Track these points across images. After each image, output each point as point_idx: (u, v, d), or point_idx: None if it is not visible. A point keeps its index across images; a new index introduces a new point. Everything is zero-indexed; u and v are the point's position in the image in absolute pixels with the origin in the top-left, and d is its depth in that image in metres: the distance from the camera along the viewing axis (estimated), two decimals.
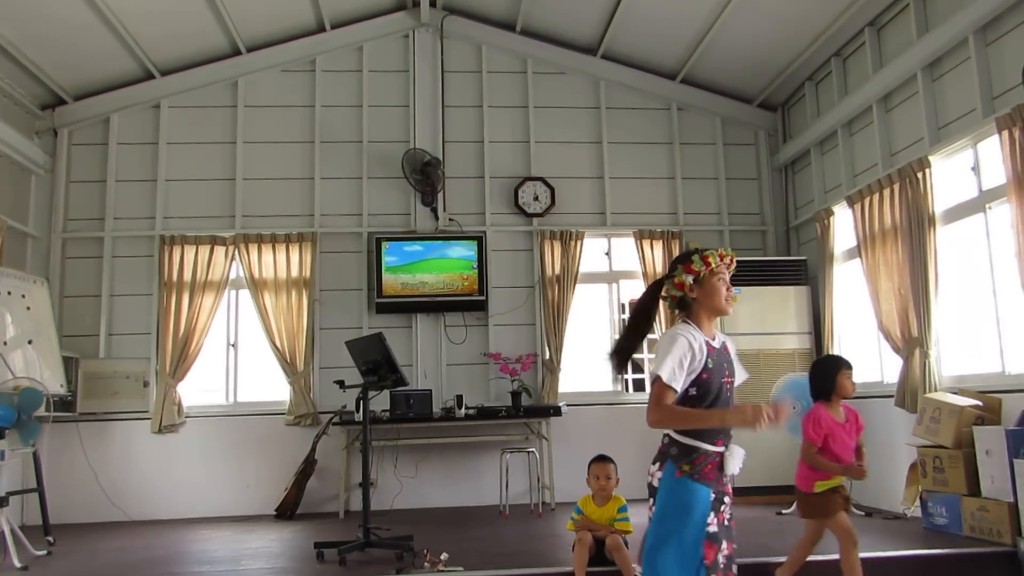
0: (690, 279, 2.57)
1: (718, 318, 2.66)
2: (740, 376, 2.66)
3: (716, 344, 2.55)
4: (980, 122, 5.09)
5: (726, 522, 2.53)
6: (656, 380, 2.44)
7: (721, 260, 2.58)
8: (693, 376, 2.46)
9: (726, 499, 2.54)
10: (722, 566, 2.47)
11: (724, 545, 2.50)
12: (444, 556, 4.29)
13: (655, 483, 2.53)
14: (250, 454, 6.86)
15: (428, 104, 7.59)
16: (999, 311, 5.04)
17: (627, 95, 7.85)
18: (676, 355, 2.43)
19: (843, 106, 6.64)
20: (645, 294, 2.70)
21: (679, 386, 2.43)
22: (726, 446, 2.51)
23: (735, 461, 2.50)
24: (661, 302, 2.68)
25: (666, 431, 2.54)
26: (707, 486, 2.46)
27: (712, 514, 2.46)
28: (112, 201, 7.23)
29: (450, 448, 7.03)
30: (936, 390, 5.30)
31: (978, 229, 5.29)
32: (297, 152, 7.48)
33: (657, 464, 2.55)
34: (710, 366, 2.46)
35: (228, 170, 7.38)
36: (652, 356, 7.63)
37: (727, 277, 2.60)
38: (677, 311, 2.66)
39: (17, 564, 4.59)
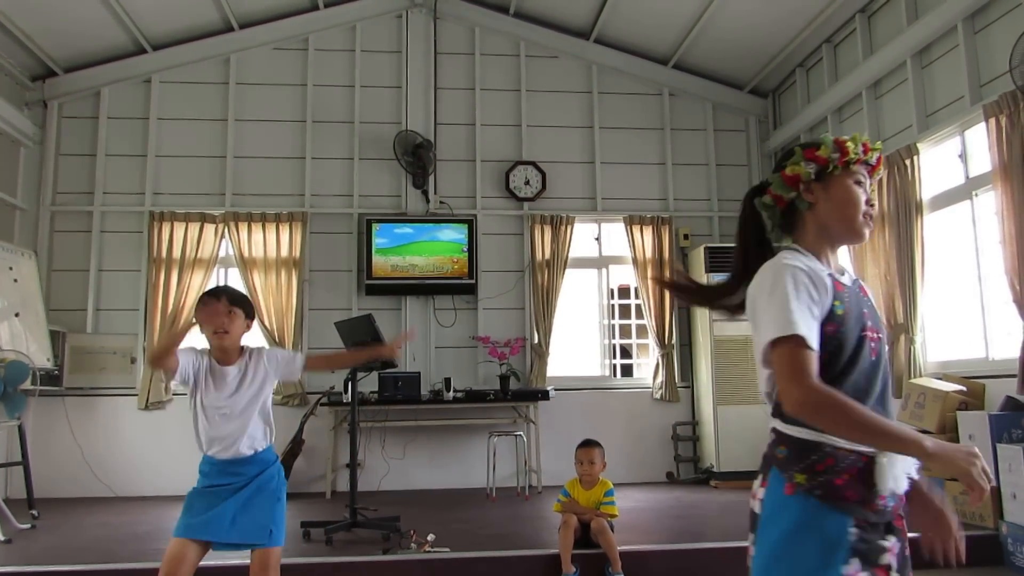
0: (811, 171, 1.67)
1: (841, 249, 1.75)
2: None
3: (847, 281, 1.63)
4: (968, 110, 5.13)
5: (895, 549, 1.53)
6: (784, 341, 1.47)
7: (865, 152, 1.69)
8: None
9: (890, 541, 1.52)
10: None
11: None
12: (431, 537, 4.29)
13: (756, 508, 1.61)
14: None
15: (421, 86, 7.56)
16: (984, 297, 5.10)
17: (619, 80, 7.84)
18: (802, 294, 1.51)
19: (833, 93, 6.66)
20: (743, 207, 1.79)
21: (815, 338, 1.49)
22: None
23: (896, 470, 1.48)
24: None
25: (779, 425, 1.59)
26: (843, 512, 1.48)
27: (856, 563, 1.47)
28: (102, 175, 7.18)
29: (438, 430, 7.04)
30: (921, 375, 5.35)
31: (964, 216, 5.33)
32: (288, 131, 7.44)
33: (760, 478, 1.63)
34: (839, 313, 1.54)
35: (219, 147, 7.34)
36: (642, 341, 7.61)
37: (868, 186, 1.70)
38: (777, 233, 1.75)
39: (1, 537, 4.58)
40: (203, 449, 2.75)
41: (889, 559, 1.51)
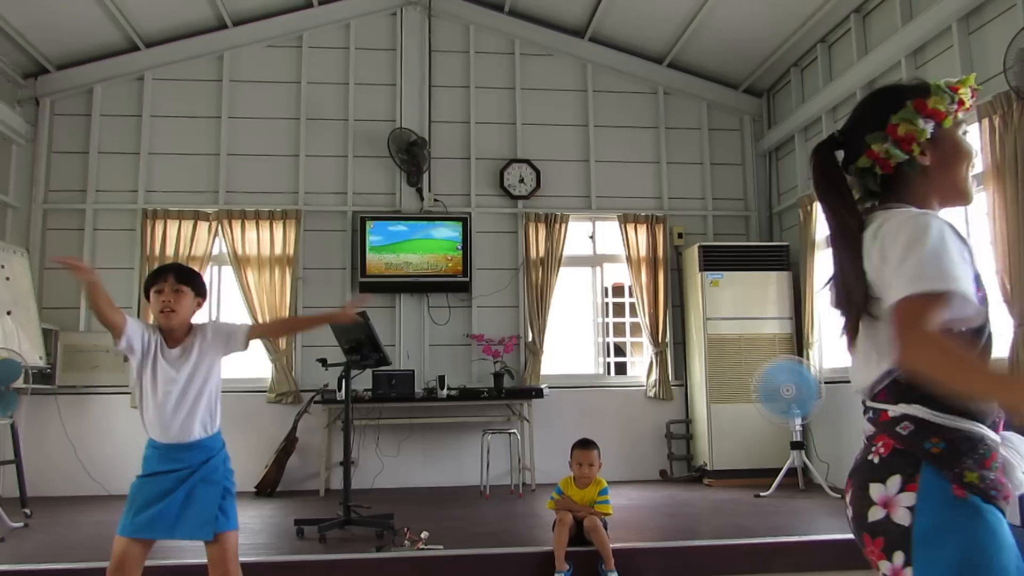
0: (929, 129, 1.43)
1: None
2: None
3: None
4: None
5: None
6: (926, 298, 1.28)
7: (973, 95, 1.48)
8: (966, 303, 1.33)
9: None
10: None
11: None
12: (424, 535, 4.31)
13: (902, 519, 1.32)
14: (231, 431, 6.72)
15: (415, 83, 7.55)
16: None
17: (614, 78, 7.84)
18: (951, 247, 1.33)
19: (828, 92, 6.67)
20: (819, 167, 1.54)
21: (972, 295, 1.30)
22: (994, 430, 1.37)
23: (1018, 458, 1.33)
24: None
25: (890, 405, 1.41)
26: (1001, 510, 1.30)
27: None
28: (94, 173, 7.15)
29: (432, 428, 7.04)
30: None
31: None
32: (282, 129, 7.42)
33: (894, 479, 1.36)
34: (980, 277, 1.40)
35: (212, 145, 7.32)
36: (636, 339, 7.60)
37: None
38: (870, 200, 1.51)
39: None
40: (147, 431, 2.67)
41: None
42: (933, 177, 1.45)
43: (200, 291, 2.78)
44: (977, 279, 1.35)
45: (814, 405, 6.11)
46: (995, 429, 1.34)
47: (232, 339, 2.80)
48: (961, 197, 1.49)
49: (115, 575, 2.54)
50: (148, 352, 2.68)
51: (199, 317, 2.86)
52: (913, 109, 1.42)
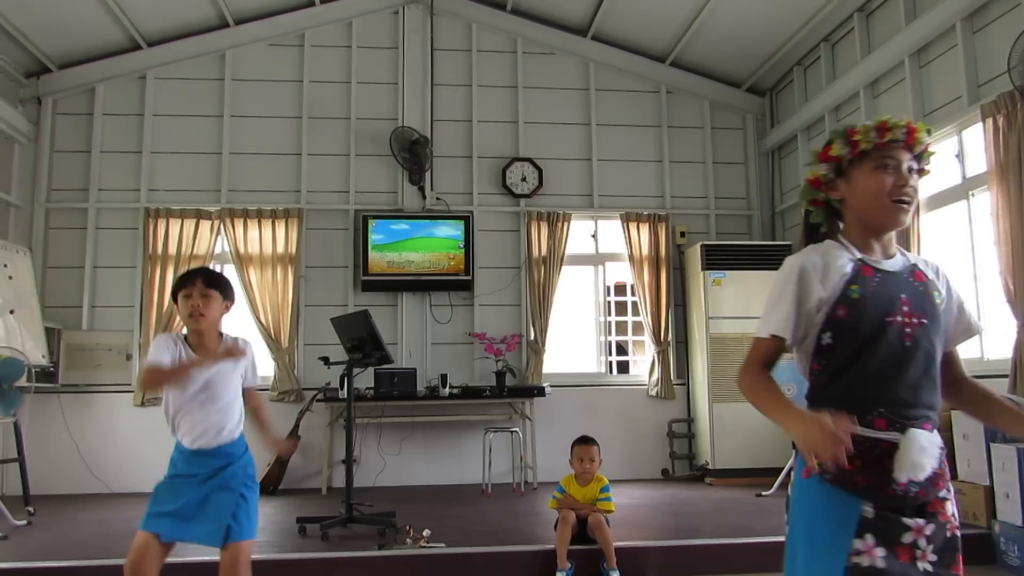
0: (828, 171, 1.73)
1: (893, 231, 1.72)
2: (961, 326, 1.74)
3: (888, 266, 1.66)
4: (965, 109, 5.14)
5: (915, 562, 1.55)
6: (755, 340, 1.71)
7: (880, 133, 1.66)
8: (823, 313, 1.62)
9: (917, 523, 1.56)
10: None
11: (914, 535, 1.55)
12: (426, 533, 4.31)
13: (789, 491, 1.71)
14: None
15: (417, 82, 7.55)
16: (979, 297, 5.11)
17: (616, 77, 7.84)
18: (786, 294, 1.64)
19: (831, 91, 6.67)
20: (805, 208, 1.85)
21: (788, 334, 1.63)
22: (897, 429, 1.54)
23: (912, 457, 1.50)
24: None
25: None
26: (854, 494, 1.56)
27: (869, 539, 1.53)
28: (97, 172, 7.16)
29: (434, 427, 7.05)
30: None
31: (961, 216, 5.34)
32: (284, 127, 7.43)
33: (792, 458, 1.83)
34: (854, 297, 1.59)
35: (214, 144, 7.32)
36: (638, 338, 7.64)
37: (903, 161, 1.66)
38: (832, 229, 1.77)
39: None
40: (173, 435, 2.71)
41: (913, 538, 1.54)
42: (854, 207, 1.70)
43: (228, 295, 2.79)
44: (846, 299, 1.59)
45: None
46: (874, 423, 1.54)
47: (249, 379, 2.85)
48: (887, 221, 1.66)
49: (133, 568, 2.55)
50: (175, 362, 2.69)
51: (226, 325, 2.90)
52: (815, 158, 1.74)
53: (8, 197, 6.83)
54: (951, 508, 1.61)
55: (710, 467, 6.79)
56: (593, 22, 7.48)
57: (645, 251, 7.44)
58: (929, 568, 1.54)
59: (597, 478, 4.31)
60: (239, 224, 7.10)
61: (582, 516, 4.16)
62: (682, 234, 7.58)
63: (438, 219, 7.29)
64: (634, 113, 7.83)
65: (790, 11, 6.59)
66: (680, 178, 7.80)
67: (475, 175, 7.54)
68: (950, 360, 1.74)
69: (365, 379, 6.56)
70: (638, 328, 7.64)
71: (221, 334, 2.79)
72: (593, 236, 7.74)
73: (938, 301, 1.67)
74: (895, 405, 1.55)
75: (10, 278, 6.12)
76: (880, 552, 1.51)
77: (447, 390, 6.74)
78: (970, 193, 5.24)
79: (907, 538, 1.54)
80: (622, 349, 7.88)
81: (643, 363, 7.63)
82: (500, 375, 6.86)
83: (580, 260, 7.65)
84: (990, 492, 4.37)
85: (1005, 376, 4.57)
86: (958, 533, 1.61)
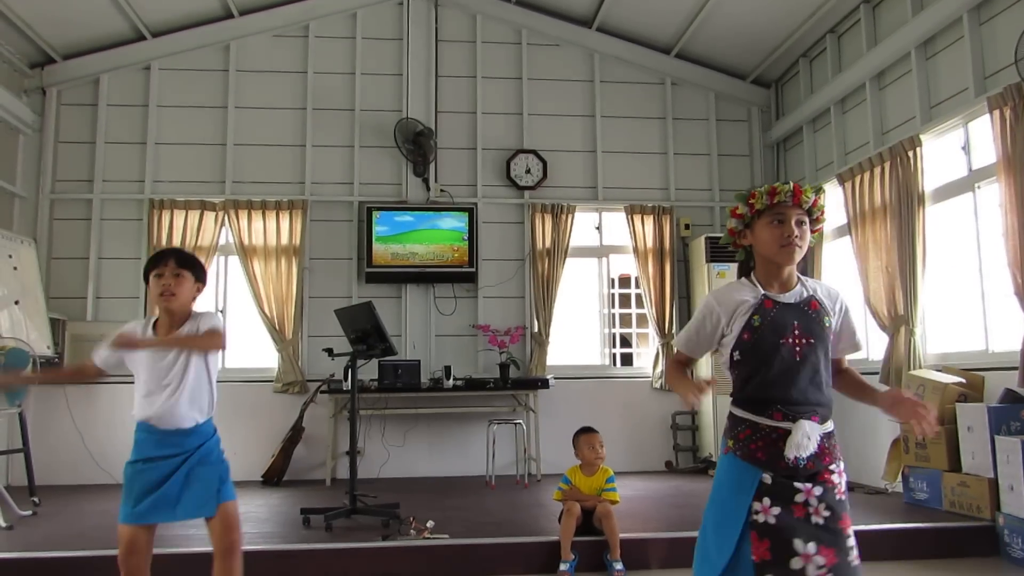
0: (736, 224, 2.22)
1: (790, 269, 2.17)
2: (846, 342, 2.21)
3: (787, 299, 2.12)
4: (972, 101, 5.11)
5: (809, 517, 2.01)
6: (676, 352, 2.30)
7: (771, 196, 2.12)
8: (731, 337, 2.13)
9: (807, 486, 2.03)
10: (795, 570, 1.95)
11: (803, 547, 1.96)
12: (430, 524, 4.31)
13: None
14: (237, 420, 6.84)
15: (421, 73, 7.53)
16: (985, 290, 5.09)
17: (621, 69, 7.81)
18: (694, 323, 2.21)
19: (836, 83, 6.63)
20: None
21: (692, 352, 2.23)
22: (789, 420, 2.03)
23: (797, 440, 2.00)
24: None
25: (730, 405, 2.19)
26: (756, 466, 2.04)
27: (766, 501, 2.00)
28: (101, 163, 7.16)
29: (437, 418, 7.05)
30: (920, 367, 5.36)
31: (967, 208, 5.31)
32: (289, 119, 7.42)
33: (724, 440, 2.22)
34: (755, 325, 2.07)
35: (219, 135, 7.32)
36: (642, 331, 7.62)
37: (789, 216, 2.11)
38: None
39: (2, 523, 4.60)
40: (139, 415, 2.67)
41: (804, 498, 2.01)
42: (758, 250, 2.19)
43: (200, 276, 2.78)
44: (749, 326, 2.08)
45: None
46: (773, 417, 2.04)
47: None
48: (780, 261, 2.14)
49: (127, 560, 2.54)
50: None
51: (201, 304, 2.87)
52: (731, 215, 2.22)
53: (13, 188, 6.84)
54: (838, 479, 2.08)
55: (713, 459, 6.79)
56: (598, 13, 7.45)
57: (649, 243, 7.43)
58: (821, 522, 2.00)
59: (603, 469, 4.32)
60: (243, 215, 7.10)
61: (587, 507, 4.17)
62: (686, 226, 7.57)
63: (442, 211, 7.29)
64: (639, 105, 7.81)
65: (796, 2, 6.55)
66: (685, 170, 7.78)
67: (479, 167, 7.52)
68: (838, 361, 2.25)
69: (369, 371, 6.57)
70: (642, 320, 7.63)
71: (192, 314, 2.76)
72: (597, 228, 7.72)
73: (827, 324, 2.13)
74: (788, 403, 2.04)
75: (15, 269, 6.14)
76: (775, 511, 1.99)
77: (451, 382, 6.74)
78: (976, 186, 5.21)
79: (799, 498, 2.01)
80: (626, 341, 7.88)
81: (647, 355, 7.62)
82: (504, 367, 6.86)
83: (584, 252, 7.64)
84: (994, 484, 4.37)
85: (1012, 369, 4.56)
86: (844, 497, 2.08)
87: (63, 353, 6.68)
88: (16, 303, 5.97)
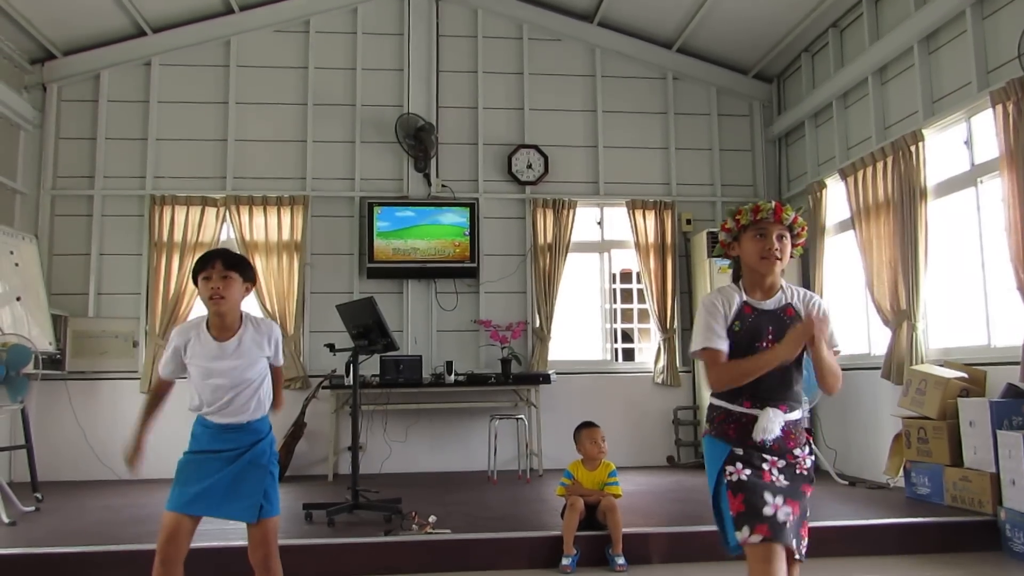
0: (727, 237, 2.50)
1: (772, 278, 2.42)
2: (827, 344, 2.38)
3: (766, 306, 2.39)
4: (974, 96, 5.09)
5: (774, 482, 2.30)
6: (696, 354, 2.41)
7: (755, 213, 2.39)
8: None
9: (771, 458, 2.34)
10: (768, 516, 2.23)
11: (771, 499, 2.26)
12: (432, 519, 4.32)
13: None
14: None
15: (422, 68, 7.52)
16: (987, 285, 5.08)
17: (623, 64, 7.79)
18: (702, 321, 2.39)
19: (839, 78, 6.62)
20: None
21: (723, 344, 2.34)
22: (758, 408, 2.33)
23: (763, 424, 2.31)
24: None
25: (709, 396, 2.51)
26: (729, 443, 2.35)
27: (738, 464, 2.31)
28: (102, 159, 7.16)
29: (439, 414, 7.06)
30: (923, 362, 5.35)
31: (969, 203, 5.30)
32: (289, 114, 7.41)
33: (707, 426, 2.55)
34: (736, 330, 2.35)
35: (220, 131, 7.31)
36: (643, 326, 7.60)
37: (771, 231, 2.37)
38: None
39: (5, 519, 4.60)
40: (196, 409, 2.72)
41: (768, 467, 2.33)
42: (743, 261, 2.45)
43: (248, 276, 2.79)
44: (730, 330, 2.36)
45: (813, 394, 6.06)
46: (743, 405, 2.36)
47: (271, 355, 2.84)
48: (761, 271, 2.40)
49: (167, 546, 2.57)
50: (192, 348, 2.72)
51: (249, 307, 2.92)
52: (720, 228, 2.51)
53: (14, 184, 6.83)
54: (803, 460, 2.39)
55: None
56: (599, 8, 7.43)
57: (651, 238, 7.43)
58: (785, 485, 2.31)
59: (605, 463, 4.32)
60: (244, 211, 7.10)
61: (591, 503, 4.17)
62: (688, 221, 7.56)
63: (443, 206, 7.28)
64: (640, 100, 7.80)
65: None
66: (686, 165, 7.77)
67: (480, 162, 7.52)
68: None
69: (371, 366, 6.58)
70: (644, 315, 7.63)
71: (242, 315, 2.80)
72: (599, 223, 7.72)
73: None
74: (758, 397, 2.34)
75: (16, 265, 6.14)
76: (746, 472, 2.30)
77: (452, 377, 6.75)
78: (979, 180, 5.20)
79: (766, 466, 2.32)
80: (628, 336, 7.87)
81: (649, 350, 7.62)
82: (505, 362, 6.86)
83: (586, 247, 7.63)
84: (996, 479, 4.36)
85: (1014, 364, 4.55)
86: (806, 472, 2.39)
87: (65, 350, 6.69)
88: (18, 299, 5.98)
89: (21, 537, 4.26)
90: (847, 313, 6.60)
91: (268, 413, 2.83)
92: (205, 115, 7.32)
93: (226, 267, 2.70)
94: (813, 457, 2.45)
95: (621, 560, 3.96)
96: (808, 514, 2.40)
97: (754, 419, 2.32)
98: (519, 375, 6.92)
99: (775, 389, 2.35)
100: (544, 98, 7.67)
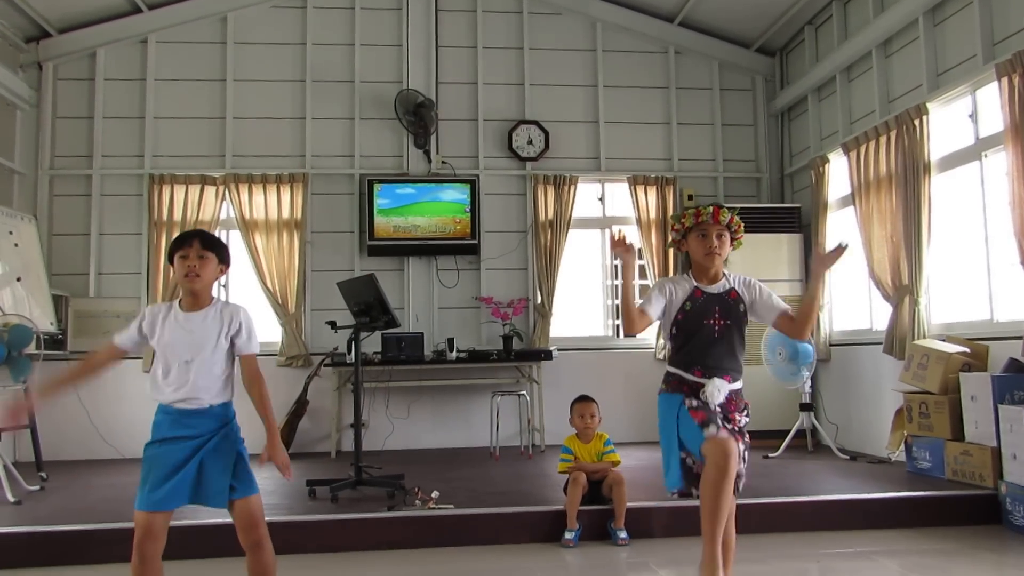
0: (675, 235, 2.94)
1: (715, 269, 2.87)
2: (769, 307, 2.88)
3: (713, 290, 2.85)
4: (980, 68, 5.04)
5: (714, 408, 2.74)
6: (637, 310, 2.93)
7: (697, 217, 2.81)
8: (671, 319, 2.88)
9: (714, 408, 2.77)
10: (720, 418, 2.73)
11: (719, 421, 2.72)
12: (435, 494, 4.34)
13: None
14: (241, 394, 6.84)
15: (421, 44, 7.45)
16: (990, 259, 5.06)
17: (624, 38, 7.72)
18: (657, 292, 2.90)
19: (842, 51, 6.55)
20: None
21: (652, 311, 2.86)
22: (707, 378, 2.77)
23: (709, 390, 2.74)
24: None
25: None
26: (679, 394, 2.82)
27: (693, 401, 2.77)
28: (100, 138, 7.12)
29: (441, 391, 7.07)
30: (925, 337, 5.34)
31: (973, 177, 5.27)
32: (288, 91, 7.35)
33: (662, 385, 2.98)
34: (687, 308, 2.83)
35: (218, 108, 7.26)
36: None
37: (711, 231, 2.81)
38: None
39: (11, 498, 4.63)
40: (158, 396, 2.65)
41: (710, 410, 2.73)
42: (691, 256, 2.89)
43: (224, 258, 2.78)
44: (683, 310, 2.84)
45: (807, 367, 6.06)
46: (694, 374, 2.80)
47: (235, 335, 2.75)
48: (705, 265, 2.85)
49: (143, 546, 2.54)
50: (157, 325, 2.67)
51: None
52: (672, 229, 2.94)
53: (12, 164, 6.80)
54: (740, 419, 2.82)
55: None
56: None
57: (652, 214, 7.40)
58: (717, 409, 2.74)
59: (598, 434, 4.36)
60: (244, 189, 7.07)
61: (595, 478, 4.20)
62: (690, 197, 7.52)
63: (444, 183, 7.25)
64: (642, 74, 7.73)
65: None
66: (688, 140, 7.72)
67: (481, 138, 7.47)
68: (780, 319, 2.89)
69: (372, 344, 6.58)
70: (645, 291, 7.59)
71: (214, 299, 2.77)
72: (600, 199, 7.69)
73: (742, 309, 2.85)
74: (707, 367, 2.78)
75: (16, 246, 6.12)
76: (693, 402, 2.76)
77: (454, 354, 6.75)
78: (983, 154, 5.16)
79: (708, 408, 2.73)
80: None
81: (650, 327, 7.59)
82: (507, 339, 6.87)
83: (587, 223, 7.60)
84: (997, 453, 4.37)
85: (1018, 338, 4.55)
86: (740, 429, 2.81)
87: (67, 330, 6.69)
88: (18, 280, 5.97)
89: (27, 515, 4.29)
90: (850, 288, 6.59)
91: (231, 400, 2.75)
92: (203, 93, 7.27)
93: (203, 247, 2.69)
94: (748, 419, 2.88)
95: (623, 534, 3.99)
96: (745, 462, 2.82)
97: (702, 386, 2.72)
98: (521, 351, 6.93)
99: (722, 359, 2.79)
100: (545, 73, 7.60)
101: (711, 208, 2.80)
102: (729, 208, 2.86)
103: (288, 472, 2.72)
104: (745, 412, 2.86)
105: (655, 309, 2.85)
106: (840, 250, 2.81)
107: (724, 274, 2.88)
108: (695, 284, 2.84)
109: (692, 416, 2.73)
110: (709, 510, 2.63)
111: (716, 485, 2.62)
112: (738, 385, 2.84)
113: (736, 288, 2.86)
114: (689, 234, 2.86)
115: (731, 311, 2.82)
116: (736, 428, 2.78)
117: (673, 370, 2.86)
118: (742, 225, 2.91)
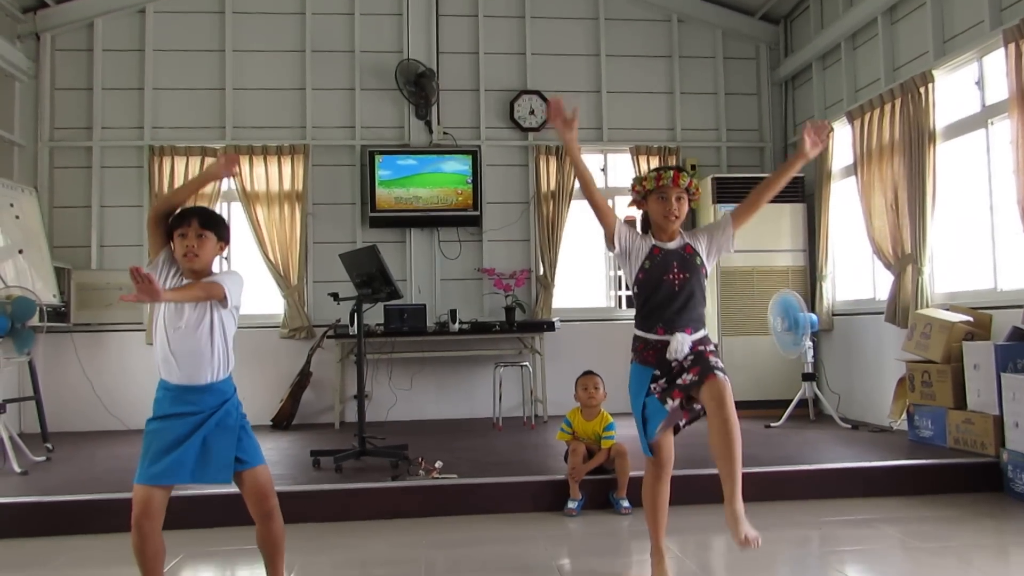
0: (636, 196, 3.01)
1: (671, 229, 2.93)
2: (722, 240, 2.94)
3: (671, 247, 2.91)
4: (987, 35, 4.98)
5: (682, 371, 2.79)
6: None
7: (658, 180, 2.88)
8: (632, 277, 2.93)
9: (681, 379, 2.79)
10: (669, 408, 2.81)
11: (671, 402, 2.80)
12: (439, 464, 4.37)
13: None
14: (245, 366, 6.71)
15: (422, 13, 7.37)
16: (995, 227, 5.04)
17: (626, 5, 7.62)
18: (625, 228, 2.96)
19: (847, 18, 6.47)
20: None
21: (617, 243, 2.94)
22: (669, 334, 2.83)
23: (674, 346, 2.79)
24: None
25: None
26: (649, 367, 2.85)
27: (662, 382, 2.81)
28: (99, 110, 7.07)
29: (444, 362, 7.09)
30: (928, 306, 5.34)
31: (979, 145, 5.22)
32: (288, 61, 7.29)
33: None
34: (647, 267, 2.88)
35: (217, 79, 7.20)
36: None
37: (670, 194, 2.86)
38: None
39: (17, 469, 4.67)
40: (161, 372, 2.63)
41: (681, 383, 2.75)
42: (651, 216, 2.95)
43: (223, 236, 2.74)
44: (643, 268, 2.88)
45: (803, 335, 6.06)
46: (657, 332, 2.83)
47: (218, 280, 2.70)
48: (662, 226, 2.91)
49: (142, 521, 2.52)
50: (163, 281, 2.64)
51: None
52: (632, 190, 2.99)
53: (11, 136, 6.76)
54: (708, 348, 2.86)
55: None
56: None
57: None
58: (690, 361, 2.77)
59: (602, 415, 4.32)
60: (244, 161, 7.03)
61: (591, 449, 4.22)
62: (693, 167, 7.46)
63: (445, 154, 7.21)
64: (644, 43, 7.64)
65: None
66: (691, 110, 7.65)
67: (482, 108, 7.42)
68: (735, 220, 2.95)
69: (375, 315, 6.58)
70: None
71: (212, 274, 2.72)
72: (603, 170, 7.64)
73: (699, 263, 2.89)
74: (669, 322, 2.83)
75: (17, 218, 6.11)
76: (663, 383, 2.80)
77: (457, 325, 6.76)
78: (989, 122, 5.11)
79: (675, 368, 2.79)
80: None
81: (611, 230, 7.57)
82: (509, 310, 6.87)
83: None
84: (999, 422, 4.39)
85: (1020, 307, 4.54)
86: (707, 352, 2.83)
87: (70, 302, 6.70)
88: (20, 252, 5.97)
89: (33, 486, 4.33)
90: (853, 257, 6.57)
91: (231, 375, 2.72)
92: (202, 63, 7.21)
93: (202, 225, 2.64)
94: (715, 347, 3.10)
95: (625, 503, 4.02)
96: (717, 364, 2.78)
97: (666, 345, 2.79)
98: (523, 323, 6.93)
99: (683, 312, 2.85)
100: (546, 42, 7.53)
101: (671, 172, 2.88)
102: (689, 171, 2.94)
103: (232, 165, 2.87)
104: (712, 345, 2.93)
105: (621, 229, 2.93)
106: (825, 126, 2.97)
107: (680, 232, 2.95)
108: (653, 242, 2.90)
109: (659, 400, 2.81)
110: (723, 453, 2.70)
111: (723, 429, 2.67)
112: (702, 334, 2.89)
113: (690, 243, 2.93)
114: (649, 196, 2.92)
115: (689, 264, 2.88)
116: (708, 358, 2.81)
117: (639, 333, 2.91)
118: (699, 188, 3.05)
